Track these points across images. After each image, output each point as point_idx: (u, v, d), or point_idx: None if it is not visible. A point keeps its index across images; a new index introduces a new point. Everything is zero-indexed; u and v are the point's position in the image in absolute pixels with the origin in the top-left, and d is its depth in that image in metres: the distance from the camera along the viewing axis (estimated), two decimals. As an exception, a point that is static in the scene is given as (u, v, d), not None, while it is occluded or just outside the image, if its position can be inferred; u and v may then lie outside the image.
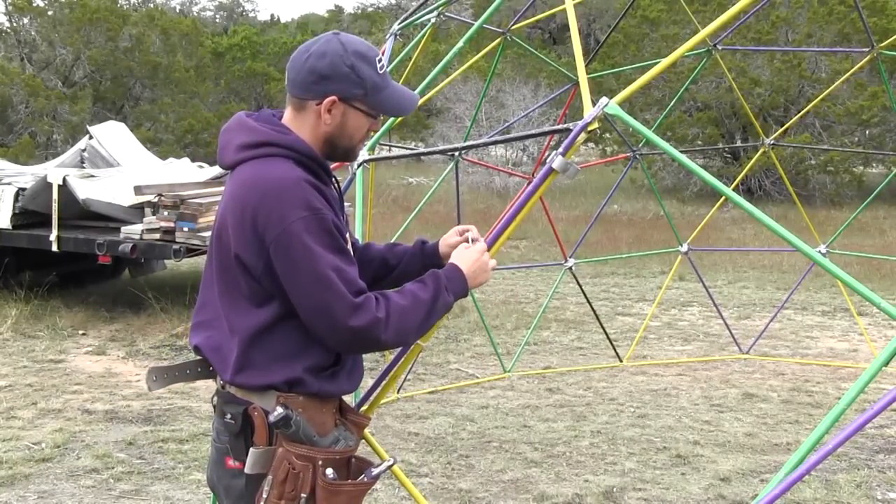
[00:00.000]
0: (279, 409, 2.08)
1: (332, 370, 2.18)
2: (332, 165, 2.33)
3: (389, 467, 2.29)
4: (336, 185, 2.29)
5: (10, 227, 8.30)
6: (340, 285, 2.05)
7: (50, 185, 8.11)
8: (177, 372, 2.33)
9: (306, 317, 2.08)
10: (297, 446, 2.10)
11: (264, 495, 2.10)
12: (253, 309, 2.12)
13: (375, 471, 2.21)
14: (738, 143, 19.81)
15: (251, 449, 2.13)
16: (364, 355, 2.31)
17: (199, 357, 2.27)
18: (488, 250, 2.37)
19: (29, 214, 8.43)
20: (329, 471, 2.11)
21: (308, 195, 2.06)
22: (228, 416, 2.17)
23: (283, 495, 2.09)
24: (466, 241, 2.38)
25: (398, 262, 2.45)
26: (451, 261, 2.31)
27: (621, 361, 7.27)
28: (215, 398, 2.25)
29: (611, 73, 14.12)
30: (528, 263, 11.84)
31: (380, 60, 2.19)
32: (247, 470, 2.12)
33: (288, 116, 2.21)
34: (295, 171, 2.09)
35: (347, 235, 2.23)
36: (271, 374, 2.13)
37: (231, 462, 2.18)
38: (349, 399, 2.39)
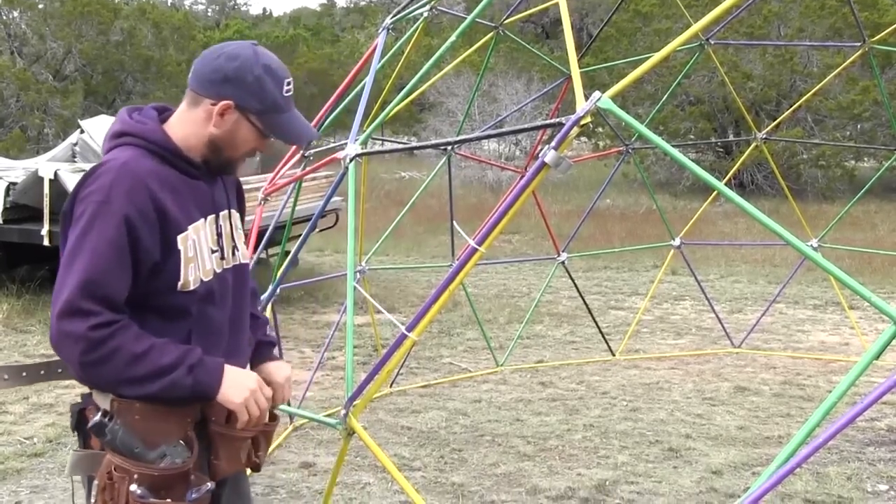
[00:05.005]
0: (97, 416, 1.99)
1: None
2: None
3: (208, 491, 2.09)
4: (222, 183, 2.21)
5: (2, 222, 8.26)
6: (83, 277, 1.94)
7: (41, 180, 8.07)
8: (24, 372, 2.26)
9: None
10: (116, 456, 1.99)
11: (92, 500, 2.06)
12: None
13: (194, 494, 2.04)
14: (731, 138, 19.84)
15: (72, 450, 2.08)
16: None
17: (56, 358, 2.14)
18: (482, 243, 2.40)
19: (20, 209, 8.39)
20: (136, 486, 1.96)
21: (120, 186, 1.98)
22: (70, 412, 2.13)
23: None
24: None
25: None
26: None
27: (614, 355, 7.29)
28: None
29: (603, 67, 14.11)
30: (520, 258, 11.86)
31: (288, 83, 2.13)
32: (66, 472, 2.12)
33: (179, 109, 2.16)
34: (141, 161, 2.05)
35: (227, 242, 2.17)
36: None
37: None
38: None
